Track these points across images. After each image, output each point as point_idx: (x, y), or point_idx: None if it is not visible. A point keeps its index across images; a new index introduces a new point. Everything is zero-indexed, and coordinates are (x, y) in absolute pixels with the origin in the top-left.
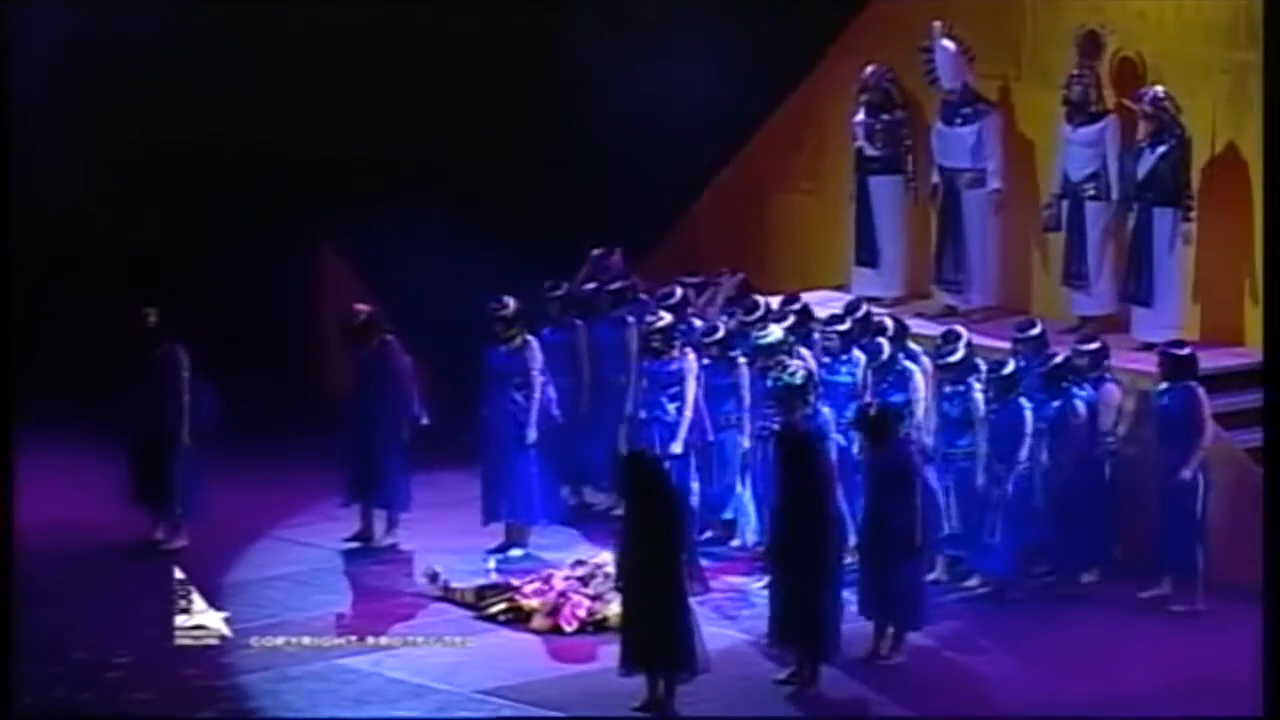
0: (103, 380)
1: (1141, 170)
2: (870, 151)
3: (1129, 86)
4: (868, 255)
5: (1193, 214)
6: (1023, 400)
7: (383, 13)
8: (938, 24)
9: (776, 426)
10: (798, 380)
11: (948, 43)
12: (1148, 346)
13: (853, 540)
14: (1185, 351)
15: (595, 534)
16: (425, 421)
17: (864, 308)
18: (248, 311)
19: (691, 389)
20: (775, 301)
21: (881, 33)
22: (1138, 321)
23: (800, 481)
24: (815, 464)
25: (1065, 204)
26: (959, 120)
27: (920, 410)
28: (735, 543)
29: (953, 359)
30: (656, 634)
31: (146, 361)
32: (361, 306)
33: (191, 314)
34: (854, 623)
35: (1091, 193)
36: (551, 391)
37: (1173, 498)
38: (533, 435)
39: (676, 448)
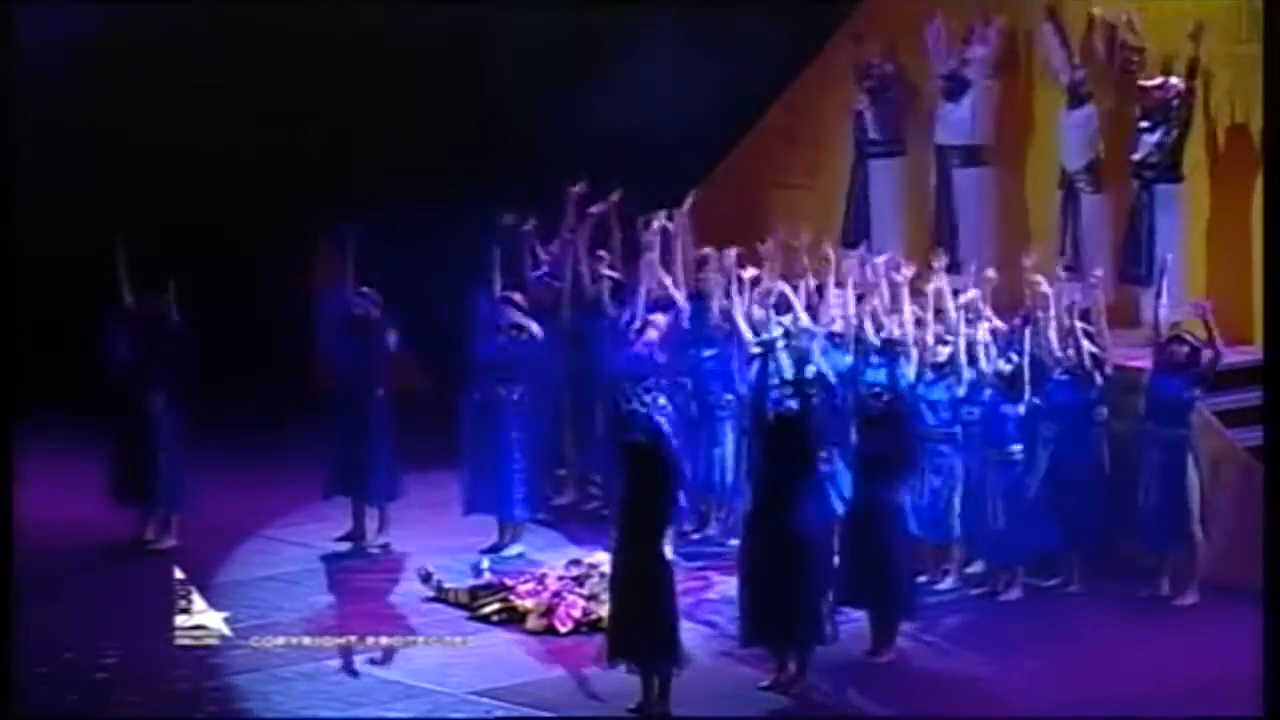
0: (89, 375)
1: (1141, 149)
2: (871, 134)
3: (1128, 75)
4: (855, 237)
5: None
6: (1019, 391)
7: (382, 7)
8: (939, 8)
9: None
10: (808, 375)
11: (942, 25)
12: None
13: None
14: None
15: (590, 533)
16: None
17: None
18: (238, 307)
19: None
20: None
21: (879, 27)
22: (1140, 302)
23: (785, 470)
24: (803, 451)
25: (1059, 190)
26: (955, 96)
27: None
28: (734, 542)
29: (940, 351)
30: (641, 624)
31: (134, 357)
32: (352, 299)
33: (183, 309)
34: (849, 624)
35: (1086, 177)
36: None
37: (1166, 485)
38: (517, 431)
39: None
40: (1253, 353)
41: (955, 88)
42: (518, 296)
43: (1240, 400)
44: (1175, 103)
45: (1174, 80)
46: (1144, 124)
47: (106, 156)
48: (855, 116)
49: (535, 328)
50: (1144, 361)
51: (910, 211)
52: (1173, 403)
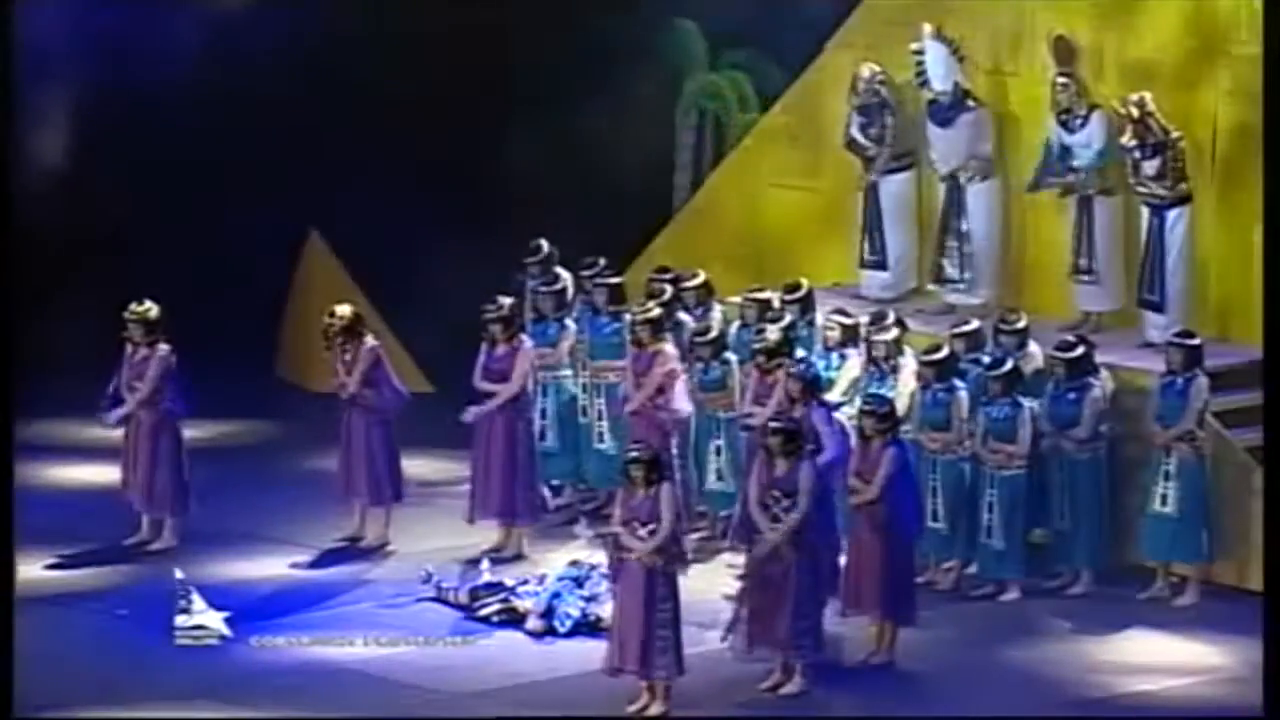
0: (91, 377)
1: (1137, 173)
2: (872, 151)
3: (1120, 85)
4: (876, 257)
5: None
6: (1021, 398)
7: (383, 6)
8: (928, 26)
9: (773, 421)
10: (809, 376)
11: (938, 44)
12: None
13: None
14: (1195, 342)
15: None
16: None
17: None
18: (240, 308)
19: (679, 383)
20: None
21: (879, 26)
22: (1146, 325)
23: (785, 478)
24: (803, 460)
25: (1072, 200)
26: (951, 120)
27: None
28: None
29: (937, 356)
30: (644, 630)
31: (135, 359)
32: (344, 308)
33: (182, 310)
34: (849, 624)
35: (1096, 189)
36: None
37: (1180, 495)
38: (518, 435)
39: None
40: (1253, 352)
41: (952, 106)
42: (517, 301)
43: (1241, 399)
44: (1151, 121)
45: (1148, 101)
46: (1136, 148)
47: (100, 152)
48: (847, 131)
49: (527, 340)
50: (1144, 362)
51: (919, 226)
52: (1185, 409)
